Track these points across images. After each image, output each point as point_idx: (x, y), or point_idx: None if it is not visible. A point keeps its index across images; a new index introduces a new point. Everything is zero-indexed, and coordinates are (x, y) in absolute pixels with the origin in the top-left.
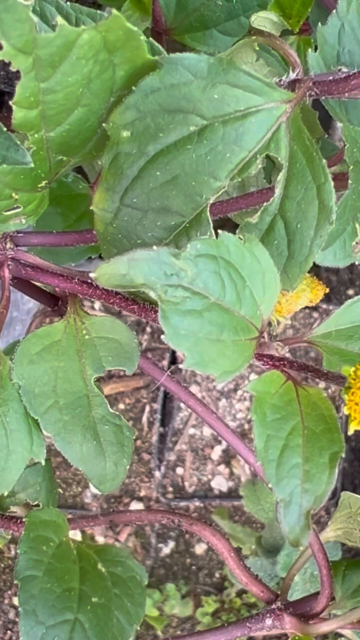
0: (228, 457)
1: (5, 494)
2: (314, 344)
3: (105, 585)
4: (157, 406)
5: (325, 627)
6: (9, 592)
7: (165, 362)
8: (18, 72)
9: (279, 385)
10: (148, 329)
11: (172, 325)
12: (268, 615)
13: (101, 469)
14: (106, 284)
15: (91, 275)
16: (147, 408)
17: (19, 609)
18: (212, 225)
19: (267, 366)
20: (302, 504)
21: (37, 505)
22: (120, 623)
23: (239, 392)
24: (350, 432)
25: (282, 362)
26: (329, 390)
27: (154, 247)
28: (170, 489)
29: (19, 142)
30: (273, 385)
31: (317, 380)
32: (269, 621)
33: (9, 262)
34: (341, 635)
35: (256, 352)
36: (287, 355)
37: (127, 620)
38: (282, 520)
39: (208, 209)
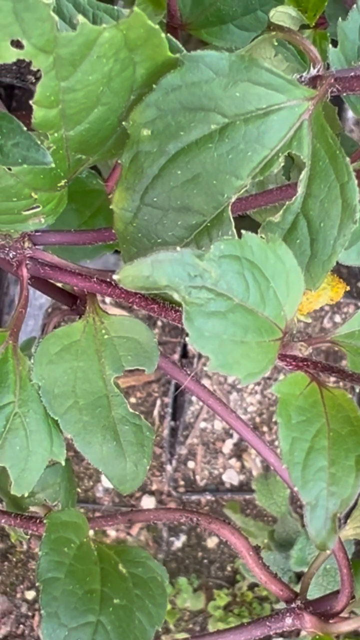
0: (239, 451)
1: (26, 494)
2: (337, 344)
3: (126, 586)
4: (168, 400)
5: (346, 627)
6: (22, 586)
7: (176, 356)
8: (29, 66)
9: (304, 386)
10: (159, 323)
11: (196, 327)
12: (288, 614)
13: (121, 469)
14: (130, 285)
15: (114, 277)
16: (158, 402)
17: (42, 611)
18: (233, 224)
19: (291, 367)
20: (329, 507)
21: (56, 506)
22: (142, 624)
23: (250, 386)
24: None
25: (305, 363)
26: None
27: (178, 248)
28: (182, 482)
29: (39, 142)
30: (298, 386)
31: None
32: (289, 620)
33: (27, 262)
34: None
35: (280, 352)
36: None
37: (148, 621)
38: (308, 523)
39: (230, 208)
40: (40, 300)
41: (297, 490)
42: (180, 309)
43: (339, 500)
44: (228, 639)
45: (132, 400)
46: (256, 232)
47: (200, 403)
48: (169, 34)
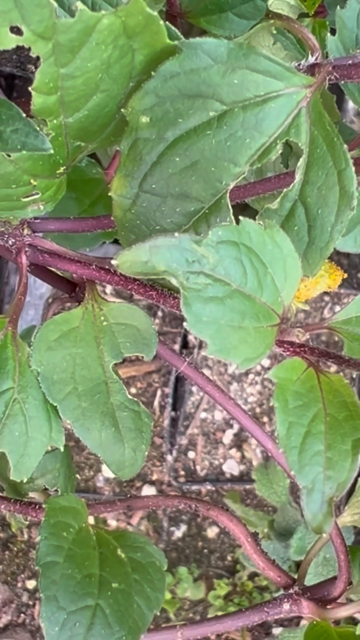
0: (239, 441)
1: (25, 480)
2: (334, 330)
3: (125, 571)
4: (168, 390)
5: (343, 612)
6: (23, 575)
7: (176, 346)
8: (29, 55)
9: (301, 371)
10: (159, 313)
11: (194, 313)
12: (286, 600)
13: (120, 455)
14: (128, 271)
15: (112, 262)
16: (159, 392)
17: (40, 594)
18: (231, 211)
19: (288, 352)
20: (325, 491)
21: (56, 491)
22: (140, 608)
23: (250, 376)
24: None
25: (303, 349)
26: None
27: (176, 234)
28: (182, 472)
29: (38, 129)
30: (295, 372)
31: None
32: (286, 606)
33: (27, 249)
34: (357, 620)
35: (277, 338)
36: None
37: (147, 606)
38: (304, 507)
39: (228, 194)
40: (41, 290)
41: (293, 474)
42: (178, 295)
43: (335, 484)
44: (226, 624)
45: (133, 390)
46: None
47: (201, 393)
48: (167, 22)
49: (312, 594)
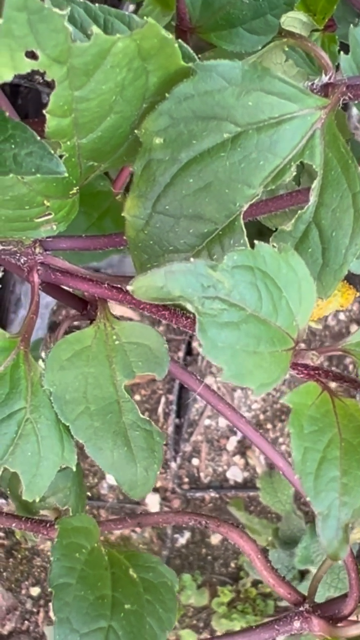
0: (243, 448)
1: (37, 499)
2: (348, 352)
3: (137, 591)
4: (172, 397)
5: (354, 630)
6: (27, 582)
7: (181, 353)
8: None
9: (316, 396)
10: (164, 321)
11: (210, 338)
12: (296, 617)
13: (132, 474)
14: (143, 296)
15: (128, 287)
16: (163, 399)
17: (54, 617)
18: (245, 232)
19: (302, 375)
20: (341, 517)
21: (66, 510)
22: (152, 629)
23: None
24: None
25: (317, 372)
26: None
27: (191, 259)
28: (186, 479)
29: (52, 151)
30: (310, 396)
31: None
32: (297, 624)
33: (39, 267)
34: None
35: (291, 361)
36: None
37: (159, 626)
38: (320, 533)
39: (241, 216)
40: (46, 299)
41: (309, 500)
42: (190, 315)
43: (351, 510)
44: None
45: (137, 397)
46: (261, 235)
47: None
48: (179, 40)
49: (322, 611)
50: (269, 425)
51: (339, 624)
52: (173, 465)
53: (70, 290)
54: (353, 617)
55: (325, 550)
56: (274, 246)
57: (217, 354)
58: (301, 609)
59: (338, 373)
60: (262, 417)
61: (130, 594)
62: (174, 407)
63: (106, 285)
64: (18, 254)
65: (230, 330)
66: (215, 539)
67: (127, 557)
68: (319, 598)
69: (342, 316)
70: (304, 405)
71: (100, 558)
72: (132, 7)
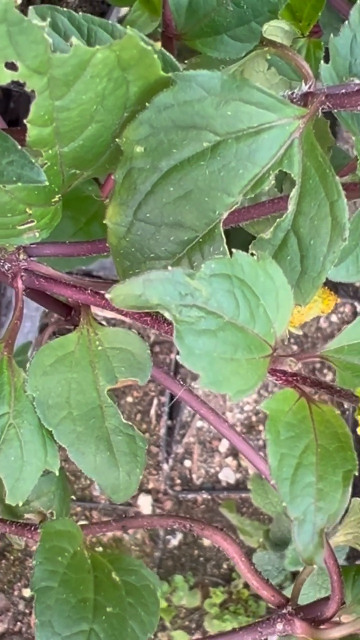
0: (235, 450)
1: (20, 504)
2: (326, 359)
3: (119, 594)
4: (164, 399)
5: (336, 633)
6: (19, 584)
7: (172, 356)
8: None
9: (293, 402)
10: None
11: (187, 345)
12: (279, 619)
13: (114, 479)
14: (122, 304)
15: (106, 296)
16: (155, 401)
17: (35, 620)
18: (225, 240)
19: (281, 382)
20: (316, 522)
21: (51, 513)
22: (134, 632)
23: None
24: None
25: (295, 378)
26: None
27: (169, 267)
28: (178, 481)
29: (33, 160)
30: (287, 402)
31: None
32: (280, 626)
33: (22, 273)
34: (358, 637)
35: (270, 367)
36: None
37: (141, 629)
38: (296, 538)
39: (221, 224)
40: None
41: (284, 505)
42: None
43: (326, 515)
44: None
45: (129, 399)
46: (248, 243)
47: None
48: (162, 49)
49: (305, 614)
50: (261, 427)
51: (321, 626)
52: (165, 466)
53: (55, 296)
54: (336, 619)
55: (300, 555)
56: (252, 254)
57: (194, 361)
58: (284, 611)
59: (316, 379)
60: (254, 418)
61: (113, 597)
62: (166, 409)
63: (89, 291)
64: (2, 260)
65: (208, 338)
66: (207, 541)
67: (110, 561)
68: (309, 600)
69: (334, 318)
70: (280, 411)
71: (83, 561)
72: (124, 10)
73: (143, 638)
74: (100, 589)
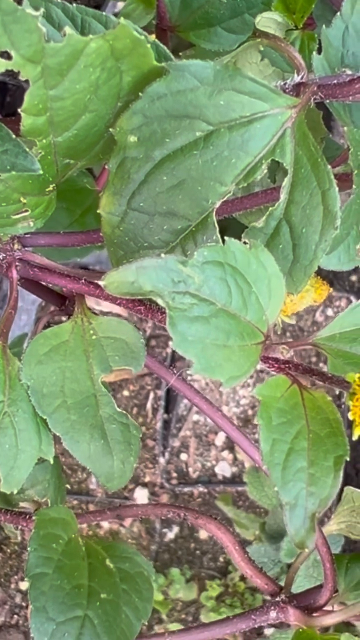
0: (232, 443)
1: (15, 492)
2: (318, 346)
3: (113, 581)
4: (161, 393)
5: (329, 620)
6: (16, 577)
7: (169, 350)
8: None
9: (285, 389)
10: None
11: (180, 332)
12: (272, 607)
13: (109, 467)
14: (115, 291)
15: (100, 283)
16: (151, 395)
17: (30, 606)
18: (217, 229)
19: (273, 369)
20: (308, 507)
21: (45, 502)
22: (128, 618)
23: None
24: (355, 437)
25: (287, 365)
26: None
27: (162, 255)
28: (175, 474)
29: (27, 149)
30: (279, 389)
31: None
32: (273, 614)
33: (17, 263)
34: (352, 625)
35: (262, 355)
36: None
37: (135, 616)
38: (287, 522)
39: (214, 213)
40: (33, 295)
41: (276, 490)
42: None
43: (317, 500)
44: (214, 631)
45: (125, 393)
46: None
47: None
48: (155, 40)
49: (298, 601)
50: (257, 421)
51: (314, 614)
52: (161, 460)
53: (49, 286)
54: (328, 607)
55: (292, 539)
56: (245, 242)
57: (187, 348)
58: (277, 599)
59: (307, 366)
60: (250, 412)
61: (107, 584)
62: (162, 402)
63: (83, 280)
64: None
65: (200, 325)
66: (204, 534)
67: (105, 548)
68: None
69: (330, 312)
70: (273, 397)
71: (78, 548)
72: (120, 4)
73: (137, 624)
74: (94, 576)
